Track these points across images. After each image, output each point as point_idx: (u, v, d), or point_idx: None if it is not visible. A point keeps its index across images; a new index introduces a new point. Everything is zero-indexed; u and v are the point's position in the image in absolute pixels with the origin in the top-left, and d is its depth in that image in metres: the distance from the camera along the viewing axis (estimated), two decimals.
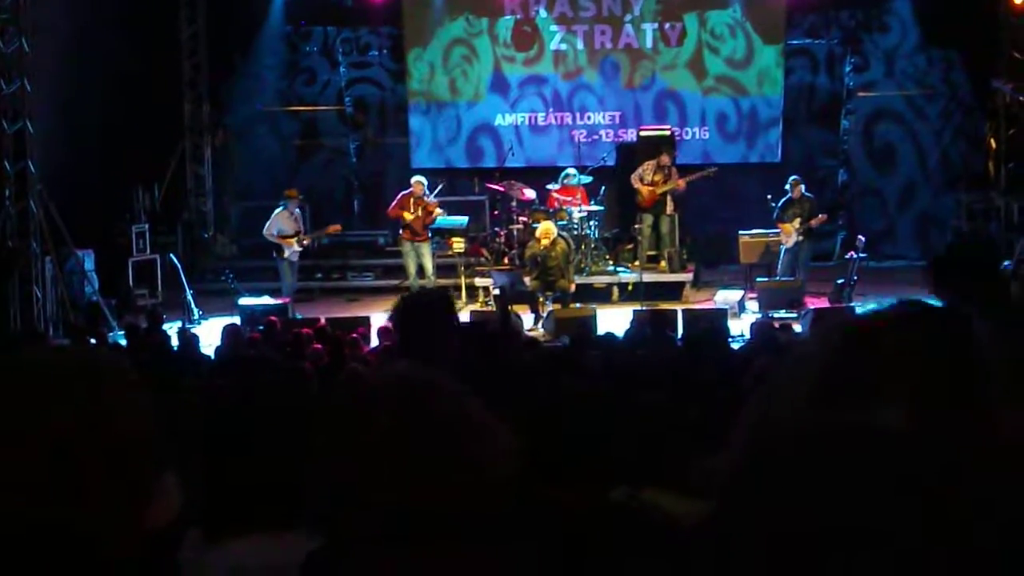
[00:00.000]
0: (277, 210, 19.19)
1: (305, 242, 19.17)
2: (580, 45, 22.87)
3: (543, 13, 22.77)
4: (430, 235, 19.56)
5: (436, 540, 1.85)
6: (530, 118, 23.07)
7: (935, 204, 23.01)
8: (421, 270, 19.53)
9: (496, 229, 20.89)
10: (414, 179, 19.68)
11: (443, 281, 19.97)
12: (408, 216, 19.31)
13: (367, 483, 1.86)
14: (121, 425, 1.76)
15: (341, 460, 1.90)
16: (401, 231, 19.54)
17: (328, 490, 1.91)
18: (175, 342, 14.24)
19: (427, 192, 19.48)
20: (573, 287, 18.39)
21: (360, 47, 23.83)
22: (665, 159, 19.90)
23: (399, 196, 19.56)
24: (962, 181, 22.58)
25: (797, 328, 14.84)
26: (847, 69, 23.01)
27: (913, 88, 22.98)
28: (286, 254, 19.01)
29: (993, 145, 22.10)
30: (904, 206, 23.25)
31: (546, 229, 18.27)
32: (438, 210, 19.48)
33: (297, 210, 19.34)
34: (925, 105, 23.05)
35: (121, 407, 1.78)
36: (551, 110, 23.01)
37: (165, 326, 16.27)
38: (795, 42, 22.98)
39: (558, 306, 17.93)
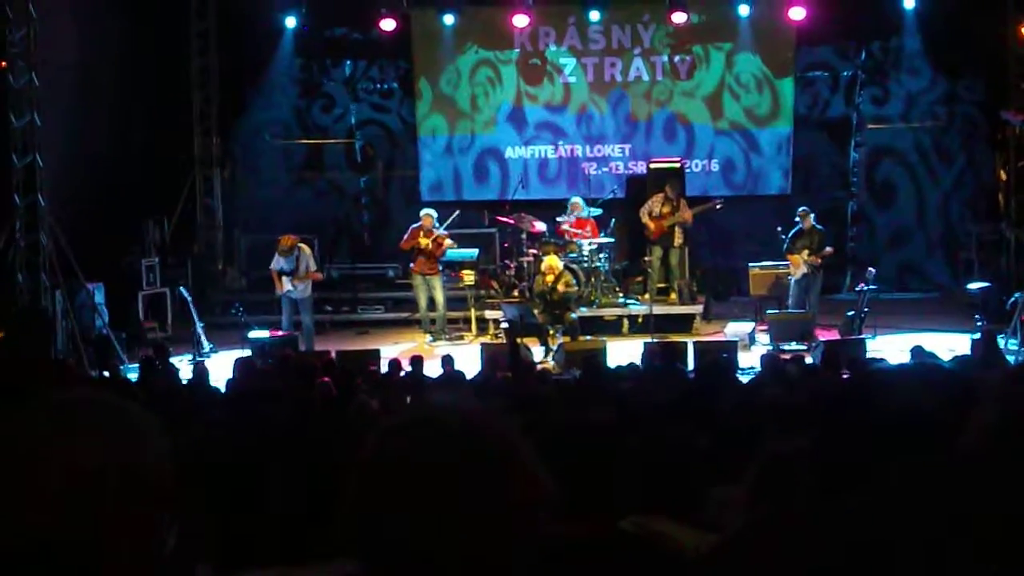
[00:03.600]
0: None
1: (296, 283, 18.84)
2: (590, 78, 22.90)
3: (552, 47, 22.84)
4: (440, 268, 19.57)
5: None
6: (541, 151, 23.08)
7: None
8: (432, 303, 19.52)
9: (506, 262, 20.89)
10: (423, 212, 19.70)
11: (453, 314, 19.99)
12: (424, 241, 19.28)
13: (409, 512, 1.83)
14: (145, 469, 1.77)
15: (382, 494, 1.86)
16: (412, 264, 19.53)
17: (367, 513, 1.87)
18: (186, 375, 14.25)
19: (437, 224, 19.48)
20: (571, 316, 18.31)
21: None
22: (669, 191, 19.90)
23: (410, 230, 19.55)
24: (969, 214, 22.57)
25: (808, 360, 14.79)
26: (858, 100, 22.99)
27: (921, 121, 22.94)
28: (278, 291, 18.88)
29: (1003, 177, 22.07)
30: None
31: (550, 264, 18.31)
32: (448, 241, 19.48)
33: (298, 253, 18.93)
34: (934, 138, 22.99)
35: (145, 452, 1.79)
36: (561, 143, 23.02)
37: (175, 359, 16.29)
38: (807, 74, 23.00)
39: (568, 339, 17.91)
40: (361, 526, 1.87)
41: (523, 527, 1.84)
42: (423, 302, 19.55)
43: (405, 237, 19.59)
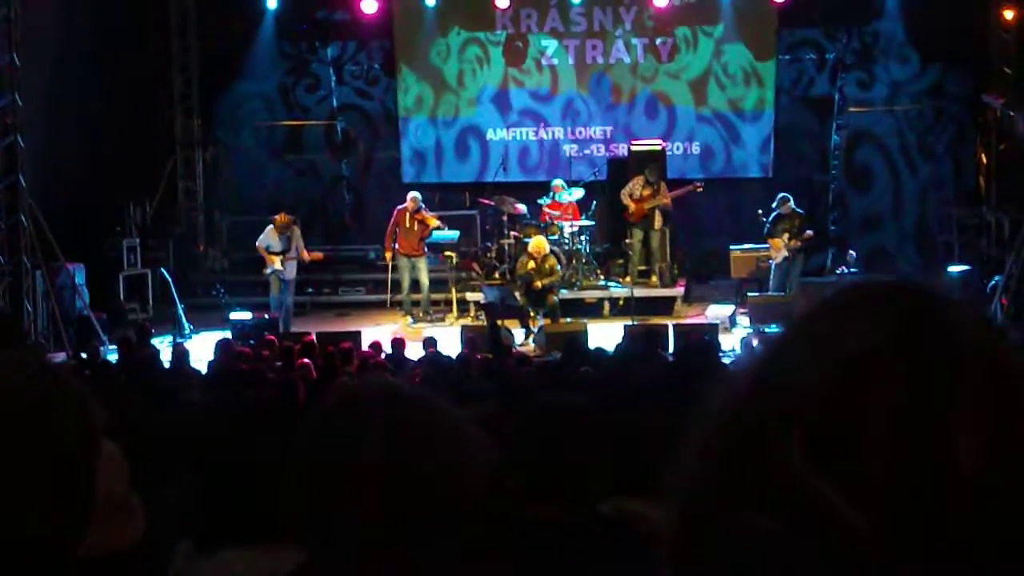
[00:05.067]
0: (270, 225, 19.06)
1: (287, 263, 18.82)
2: (571, 60, 22.85)
3: (535, 30, 22.78)
4: (426, 250, 19.56)
5: (414, 549, 1.86)
6: (522, 133, 23.02)
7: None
8: (416, 285, 19.51)
9: (487, 244, 20.88)
10: (410, 195, 19.68)
11: (434, 296, 19.98)
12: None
13: (346, 493, 1.86)
14: (64, 444, 1.74)
15: (320, 470, 1.90)
16: (396, 246, 19.49)
17: (307, 500, 1.91)
18: (166, 356, 14.24)
19: (422, 205, 19.48)
20: (552, 299, 18.32)
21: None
22: (649, 175, 19.89)
23: (395, 212, 19.55)
24: (953, 197, 22.60)
25: None
26: (840, 83, 22.93)
27: (904, 105, 22.96)
28: (268, 270, 18.85)
29: (984, 160, 22.12)
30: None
31: (537, 246, 18.30)
32: (435, 221, 19.45)
33: (290, 233, 18.97)
34: (916, 122, 22.99)
35: (63, 422, 1.76)
36: (543, 125, 22.97)
37: (155, 340, 16.26)
38: (787, 56, 22.96)
39: (549, 321, 17.93)
40: (302, 516, 1.91)
41: (464, 494, 1.89)
42: (406, 284, 19.53)
43: (390, 223, 19.59)
